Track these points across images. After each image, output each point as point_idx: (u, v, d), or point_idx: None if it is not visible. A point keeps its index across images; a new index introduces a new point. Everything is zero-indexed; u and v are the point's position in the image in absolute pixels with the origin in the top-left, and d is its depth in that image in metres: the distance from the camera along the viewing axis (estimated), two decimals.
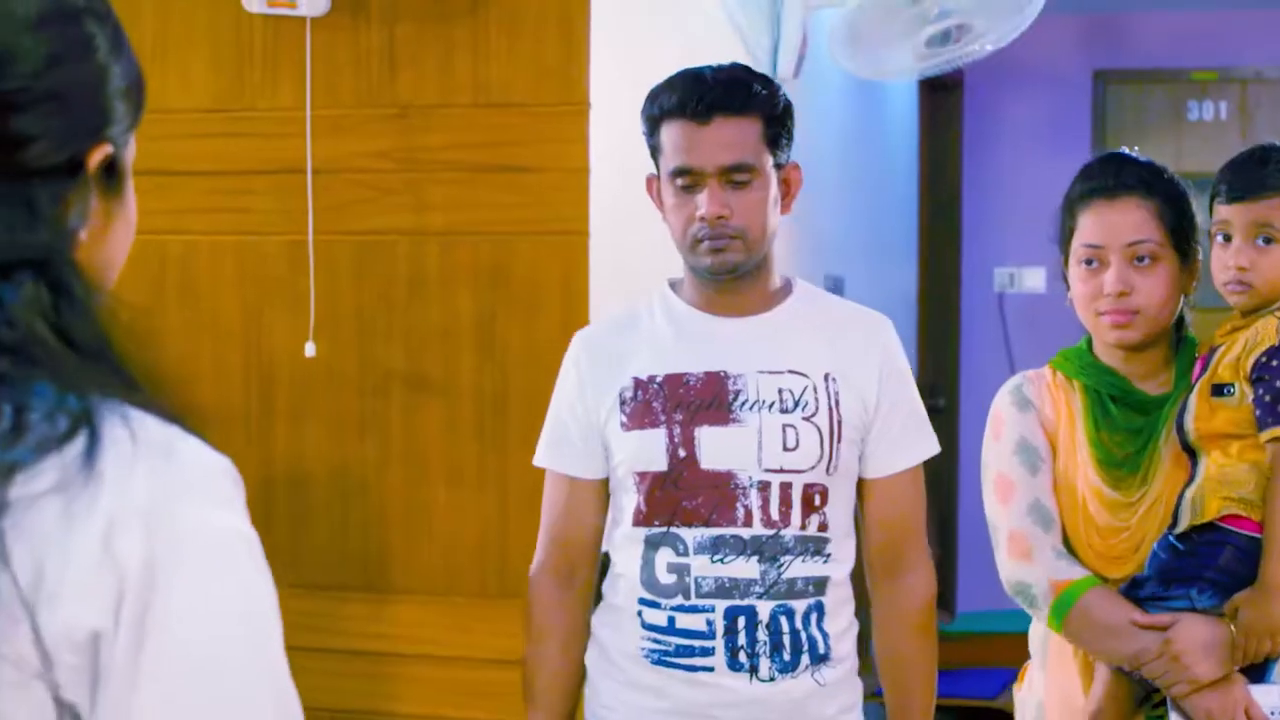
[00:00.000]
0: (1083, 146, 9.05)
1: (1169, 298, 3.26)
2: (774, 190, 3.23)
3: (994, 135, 9.27)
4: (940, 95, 9.03)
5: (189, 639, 1.38)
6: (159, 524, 1.38)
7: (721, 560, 3.18)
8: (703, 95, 3.18)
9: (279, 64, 4.38)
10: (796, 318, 3.32)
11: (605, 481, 3.35)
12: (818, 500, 3.22)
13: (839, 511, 3.26)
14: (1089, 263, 3.27)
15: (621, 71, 4.30)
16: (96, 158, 1.53)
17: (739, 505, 3.19)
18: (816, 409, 3.22)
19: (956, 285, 9.21)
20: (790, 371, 3.24)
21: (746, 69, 3.29)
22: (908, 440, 3.33)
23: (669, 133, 3.22)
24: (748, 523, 3.19)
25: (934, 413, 3.63)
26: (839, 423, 3.23)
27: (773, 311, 3.32)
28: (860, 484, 3.32)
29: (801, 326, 3.30)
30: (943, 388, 8.96)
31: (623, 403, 3.27)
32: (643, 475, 3.24)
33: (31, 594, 1.31)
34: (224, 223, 4.44)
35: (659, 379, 3.25)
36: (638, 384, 3.27)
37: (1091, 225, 3.27)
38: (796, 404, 3.22)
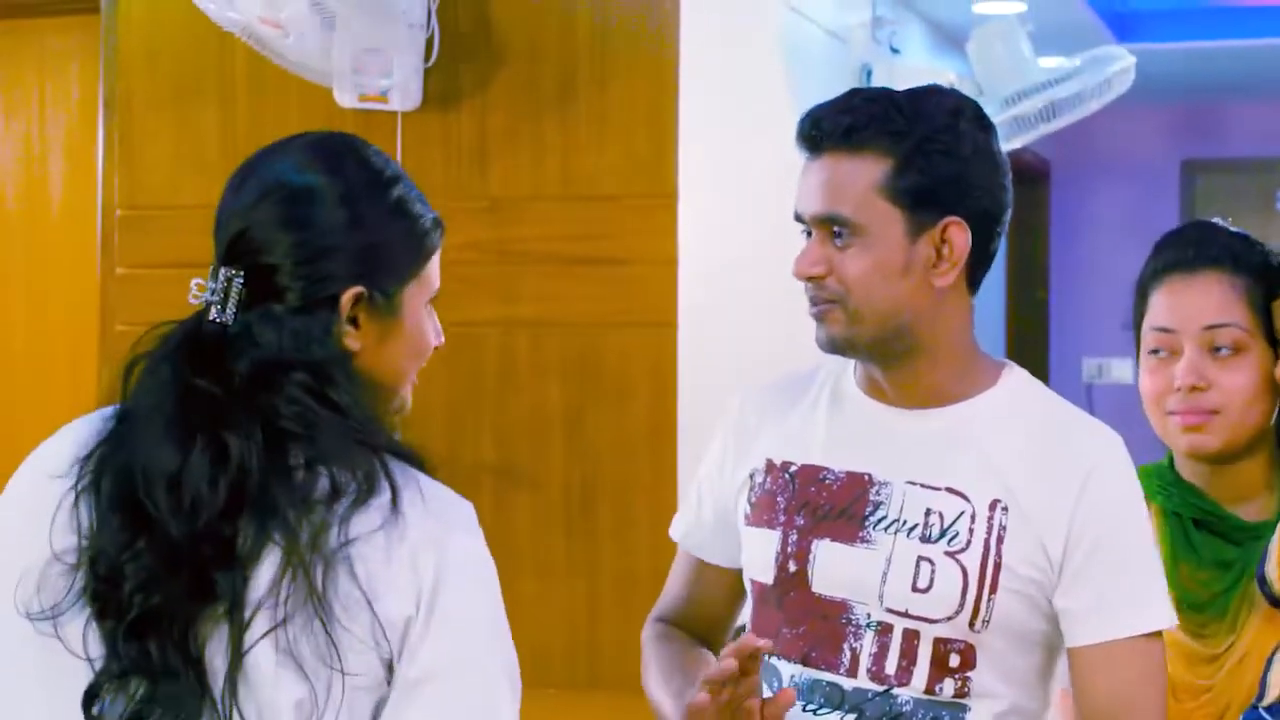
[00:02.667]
0: None
1: (1257, 396, 2.65)
2: (896, 253, 2.45)
3: (1082, 224, 9.25)
4: (1028, 184, 9.02)
5: (458, 617, 2.03)
6: (443, 549, 2.03)
7: (813, 712, 2.50)
8: (819, 120, 2.49)
9: None
10: (981, 420, 2.51)
11: (742, 573, 2.68)
12: (955, 661, 2.44)
13: (996, 678, 2.46)
14: (1157, 351, 2.72)
15: (710, 163, 4.32)
16: (347, 297, 2.09)
17: (845, 647, 2.48)
18: (968, 544, 2.43)
19: (1044, 376, 9.16)
20: (948, 490, 2.47)
21: (913, 93, 2.53)
22: (1127, 599, 2.45)
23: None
24: (851, 671, 2.47)
25: None
26: (997, 567, 2.42)
27: (953, 407, 2.53)
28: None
29: (983, 433, 2.50)
30: None
31: (751, 488, 2.62)
32: (754, 585, 2.61)
33: (370, 593, 1.97)
34: None
35: (794, 468, 2.57)
36: (769, 468, 2.60)
37: (1163, 306, 2.72)
38: (943, 533, 2.45)
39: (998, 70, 5.57)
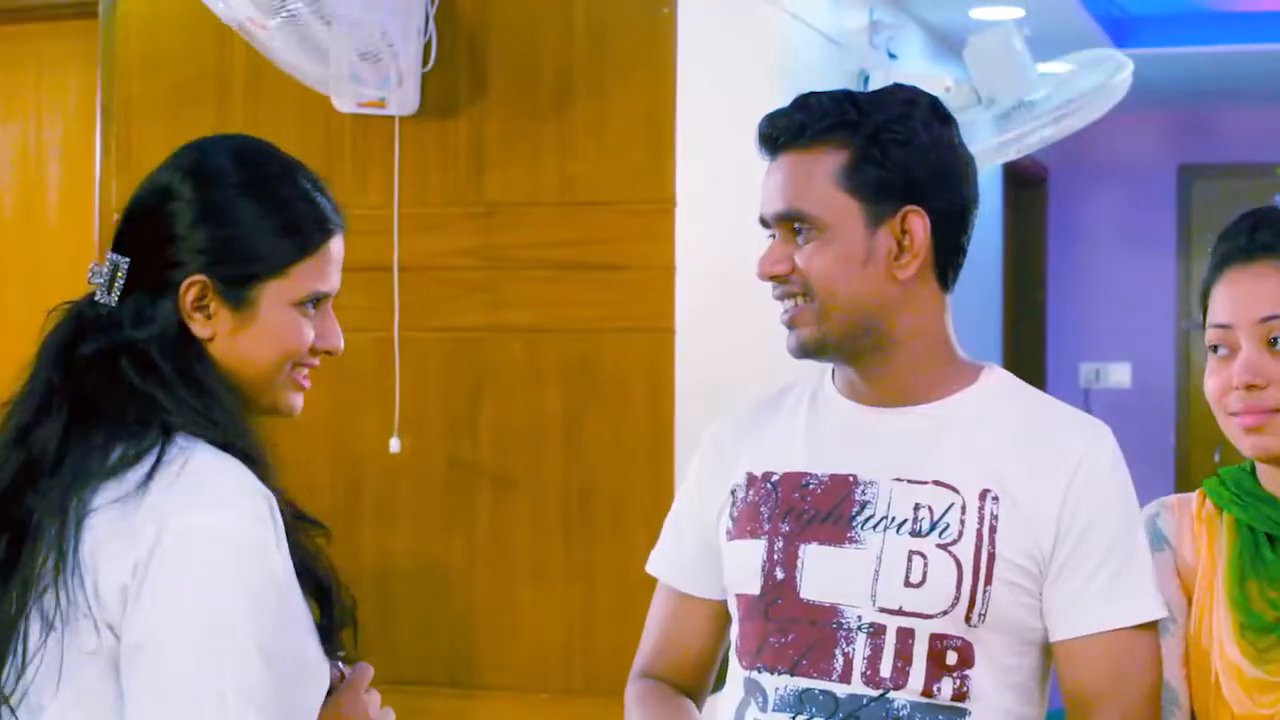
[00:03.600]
0: (1168, 241, 9.05)
1: None
2: (857, 245, 2.42)
3: (1079, 230, 9.26)
4: (1025, 190, 9.02)
5: (169, 588, 2.03)
6: (165, 521, 2.03)
7: None
8: (774, 121, 2.50)
9: (368, 162, 4.42)
10: (964, 415, 2.47)
11: (725, 604, 2.60)
12: (952, 658, 2.37)
13: (994, 680, 2.39)
14: (1217, 349, 2.51)
15: (707, 170, 4.32)
16: (186, 285, 2.16)
17: (837, 652, 2.39)
18: (960, 535, 2.38)
19: (1042, 380, 9.17)
20: (935, 483, 2.41)
21: (870, 91, 2.54)
22: (1106, 592, 2.39)
23: None
24: (845, 677, 2.39)
25: None
26: (990, 557, 2.37)
27: (934, 404, 2.48)
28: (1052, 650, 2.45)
29: (968, 425, 2.46)
30: None
31: (733, 503, 2.55)
32: (740, 599, 2.52)
33: (93, 561, 2.04)
34: None
35: (775, 477, 2.51)
36: (751, 481, 2.54)
37: (1221, 300, 2.52)
38: (933, 526, 2.39)
39: (995, 76, 5.57)
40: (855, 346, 2.46)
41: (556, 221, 4.29)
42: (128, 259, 2.18)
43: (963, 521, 2.39)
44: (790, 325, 2.46)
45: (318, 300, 2.28)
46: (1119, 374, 8.97)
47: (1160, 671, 2.44)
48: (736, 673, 2.50)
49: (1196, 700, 2.47)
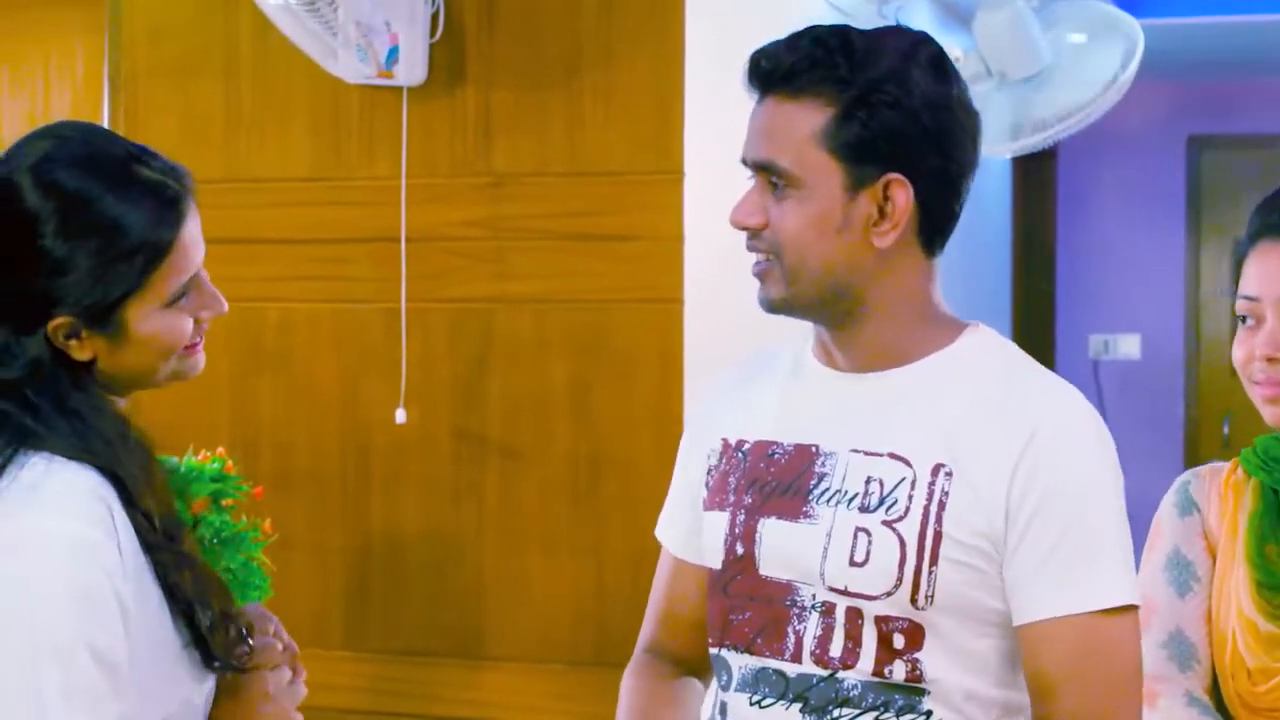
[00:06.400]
0: (1177, 212, 9.02)
1: None
2: (833, 208, 2.27)
3: (1088, 202, 9.24)
4: (1034, 162, 8.99)
5: (4, 572, 2.02)
6: (4, 525, 2.04)
7: (759, 704, 2.33)
8: (763, 60, 2.35)
9: (375, 133, 4.41)
10: (930, 381, 2.33)
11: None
12: (899, 641, 2.25)
13: (952, 663, 2.26)
14: (1245, 319, 2.54)
15: (716, 140, 4.31)
16: (52, 329, 2.14)
17: (789, 630, 2.30)
18: (906, 512, 2.24)
19: (1050, 352, 9.15)
20: (890, 455, 2.28)
21: (870, 34, 2.33)
22: (1063, 575, 2.22)
23: None
24: (795, 657, 2.29)
25: None
26: (937, 536, 2.23)
27: (902, 368, 2.34)
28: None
29: (930, 394, 2.31)
30: None
31: (709, 471, 2.47)
32: (709, 574, 2.44)
33: None
34: (320, 290, 4.47)
35: (746, 445, 2.41)
36: (725, 448, 2.45)
37: (1251, 272, 2.54)
38: (881, 501, 2.26)
39: (1004, 47, 5.55)
40: (825, 310, 2.33)
41: (564, 192, 4.28)
42: None
43: (910, 497, 2.24)
44: (760, 279, 2.35)
45: (189, 281, 2.21)
46: (1128, 345, 8.95)
47: (1132, 660, 2.24)
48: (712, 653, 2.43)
49: (1216, 656, 2.53)
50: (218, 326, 4.23)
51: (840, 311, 2.33)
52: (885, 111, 2.25)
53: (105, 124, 4.69)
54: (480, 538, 4.34)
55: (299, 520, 4.41)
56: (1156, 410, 8.66)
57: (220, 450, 3.81)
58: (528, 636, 4.31)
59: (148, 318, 2.17)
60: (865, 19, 5.54)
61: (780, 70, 2.30)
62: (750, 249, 2.35)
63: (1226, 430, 8.70)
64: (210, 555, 3.52)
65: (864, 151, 2.26)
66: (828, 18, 5.21)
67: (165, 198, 2.17)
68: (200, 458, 3.73)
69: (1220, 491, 2.60)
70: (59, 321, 2.13)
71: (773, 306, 2.35)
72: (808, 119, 2.27)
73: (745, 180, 2.37)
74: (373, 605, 4.39)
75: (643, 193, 4.20)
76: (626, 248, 4.21)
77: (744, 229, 2.34)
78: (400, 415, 4.32)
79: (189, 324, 2.22)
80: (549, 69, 4.29)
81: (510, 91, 4.32)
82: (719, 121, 4.33)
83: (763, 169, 2.32)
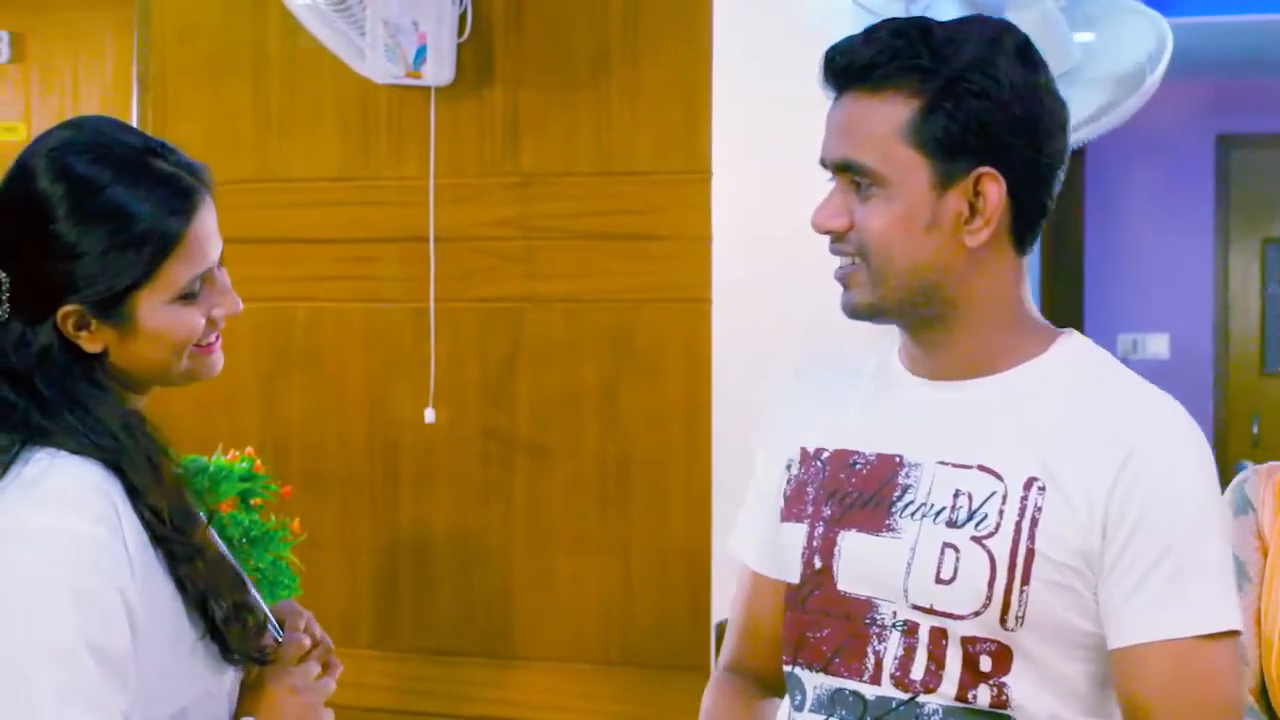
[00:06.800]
0: (1206, 212, 8.99)
1: None
2: (921, 207, 2.16)
3: (1117, 201, 9.22)
4: None
5: (3, 570, 2.02)
6: (3, 521, 2.03)
7: None
8: (839, 55, 2.19)
9: (404, 134, 4.41)
10: (1023, 390, 2.20)
11: None
12: (987, 664, 2.12)
13: (1040, 687, 2.14)
14: None
15: (744, 139, 4.31)
16: (61, 317, 2.13)
17: (869, 650, 2.19)
18: (997, 528, 2.11)
19: None
20: (980, 468, 2.16)
21: (950, 24, 2.22)
22: (1161, 597, 2.08)
23: None
24: (874, 678, 2.18)
25: None
26: (1029, 554, 2.10)
27: (993, 377, 2.22)
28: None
29: (1023, 404, 2.19)
30: None
31: (787, 479, 2.34)
32: (787, 589, 2.31)
33: None
34: (349, 290, 4.47)
35: (826, 454, 2.29)
36: (803, 456, 2.33)
37: None
38: (970, 517, 2.14)
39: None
40: (913, 314, 2.21)
41: (592, 191, 4.28)
42: (7, 275, 2.16)
43: (1001, 512, 2.11)
44: (844, 284, 2.21)
45: (202, 277, 2.20)
46: (1157, 344, 8.92)
47: (1233, 688, 2.10)
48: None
49: (1264, 658, 2.48)
50: (246, 326, 4.25)
51: (929, 315, 2.21)
52: (973, 102, 2.13)
53: (134, 124, 4.70)
54: (508, 537, 4.34)
55: (328, 520, 4.42)
56: (1185, 410, 8.64)
57: (249, 450, 3.82)
58: (555, 636, 4.31)
59: (157, 310, 2.16)
60: (892, 16, 5.53)
61: (858, 64, 2.16)
62: (834, 253, 2.21)
63: (1256, 429, 8.68)
64: (239, 554, 3.53)
65: (952, 145, 2.14)
66: (855, 16, 5.21)
67: (179, 189, 2.16)
68: (229, 457, 3.75)
69: (1276, 491, 2.55)
70: (68, 309, 2.13)
71: (858, 312, 2.22)
72: (891, 114, 2.14)
73: (825, 182, 2.23)
74: (401, 604, 4.40)
75: (670, 192, 4.20)
76: (654, 247, 4.20)
77: (827, 232, 2.20)
78: (430, 415, 4.32)
79: (200, 320, 2.21)
80: (576, 69, 4.30)
81: (538, 91, 4.32)
82: (746, 121, 4.34)
83: (844, 169, 2.17)
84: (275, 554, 3.70)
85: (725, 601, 4.10)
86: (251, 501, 3.74)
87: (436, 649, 4.37)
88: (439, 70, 4.26)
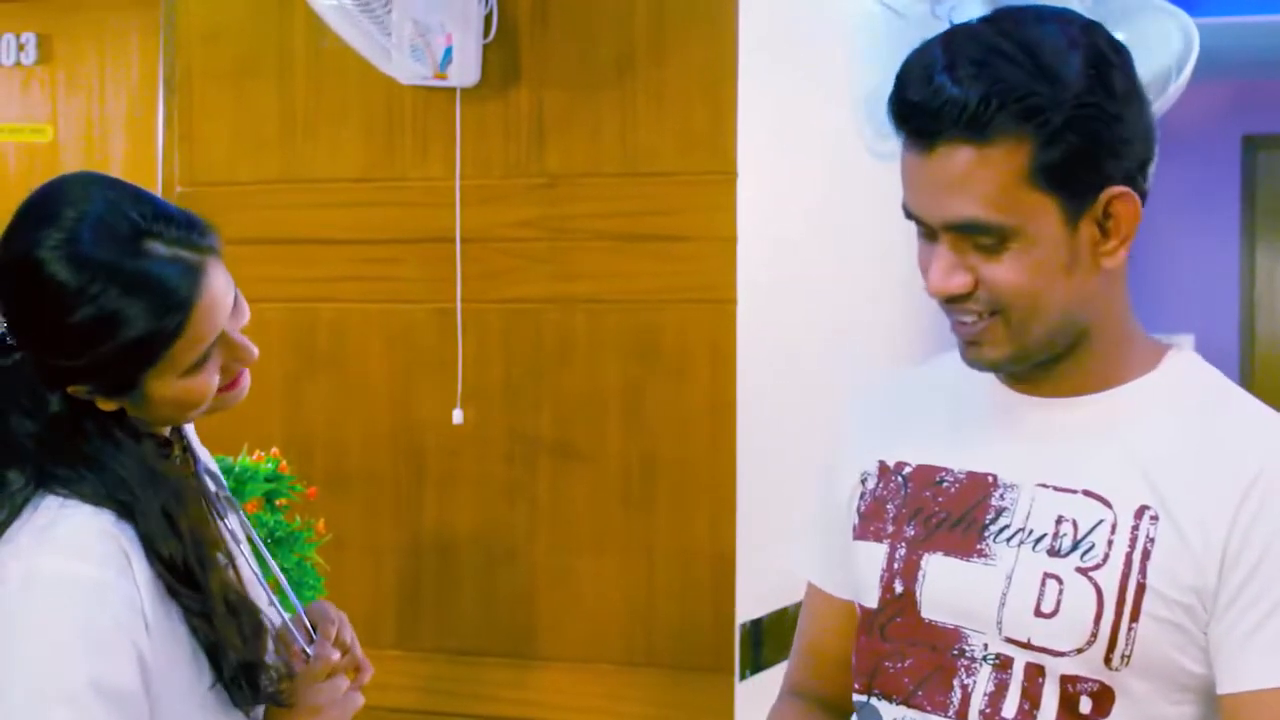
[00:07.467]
0: (1232, 212, 8.99)
1: None
2: (1059, 248, 1.99)
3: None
4: None
5: (5, 633, 2.05)
6: (6, 568, 2.07)
7: None
8: (919, 105, 1.96)
9: (429, 134, 4.42)
10: (1131, 410, 2.06)
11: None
12: (1087, 705, 1.98)
13: None
14: None
15: (770, 139, 4.31)
16: (74, 392, 2.17)
17: (955, 684, 2.05)
18: (1105, 559, 1.98)
19: None
20: (1086, 493, 2.02)
21: (1029, 39, 1.98)
22: (1275, 640, 1.94)
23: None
24: (961, 714, 2.04)
25: None
26: (1140, 589, 1.96)
27: (1100, 395, 2.08)
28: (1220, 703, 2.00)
29: (1132, 426, 2.05)
30: None
31: (861, 495, 2.22)
32: (860, 611, 2.20)
33: None
34: (373, 291, 4.48)
35: (908, 469, 2.17)
36: (882, 471, 2.20)
37: None
38: (1075, 546, 1.99)
39: None
40: (1053, 351, 2.07)
41: (618, 192, 4.28)
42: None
43: (1110, 542, 1.98)
44: (973, 341, 2.06)
45: (211, 346, 2.21)
46: (1184, 347, 8.91)
47: None
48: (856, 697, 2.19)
49: None
50: (272, 327, 4.27)
51: (1065, 346, 2.07)
52: (1095, 127, 1.96)
53: (160, 126, 4.71)
54: (532, 538, 4.34)
55: (352, 520, 4.42)
56: None
57: (274, 450, 3.83)
58: (579, 637, 4.30)
59: (169, 385, 2.19)
60: (918, 18, 5.53)
61: (955, 115, 1.94)
62: (954, 311, 2.05)
63: None
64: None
65: (1078, 175, 1.97)
66: (880, 16, 5.21)
67: (178, 273, 2.13)
68: (254, 458, 3.75)
69: None
70: (76, 389, 2.18)
71: (994, 366, 2.09)
72: (1009, 160, 1.94)
73: (916, 237, 2.06)
74: (425, 605, 4.40)
75: (696, 193, 4.19)
76: (680, 248, 4.20)
77: (949, 298, 2.03)
78: (458, 416, 4.32)
79: (213, 380, 2.22)
80: (601, 69, 4.29)
81: (563, 92, 4.32)
82: (772, 122, 4.33)
83: (964, 230, 1.98)
84: (300, 555, 3.70)
85: (749, 603, 4.11)
86: (277, 502, 3.74)
87: (459, 649, 4.37)
88: (464, 71, 4.26)
